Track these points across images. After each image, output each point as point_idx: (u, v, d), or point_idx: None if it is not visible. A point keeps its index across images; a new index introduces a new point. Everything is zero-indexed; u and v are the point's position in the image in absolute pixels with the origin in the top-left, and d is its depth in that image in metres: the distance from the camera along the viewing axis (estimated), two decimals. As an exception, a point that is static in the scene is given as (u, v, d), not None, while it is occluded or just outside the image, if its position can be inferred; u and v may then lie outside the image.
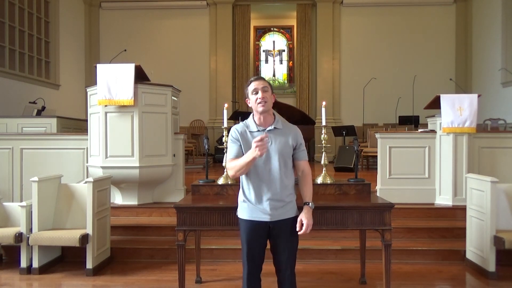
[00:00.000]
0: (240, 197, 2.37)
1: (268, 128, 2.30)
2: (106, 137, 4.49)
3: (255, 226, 2.28)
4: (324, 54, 10.32)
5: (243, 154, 2.26)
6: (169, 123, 4.74)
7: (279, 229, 2.29)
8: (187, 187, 4.97)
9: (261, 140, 2.08)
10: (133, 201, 4.77)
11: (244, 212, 2.32)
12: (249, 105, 2.36)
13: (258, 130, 2.30)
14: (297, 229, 2.27)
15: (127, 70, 4.38)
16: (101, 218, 3.85)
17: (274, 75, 11.04)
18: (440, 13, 10.18)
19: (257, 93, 2.28)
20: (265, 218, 2.26)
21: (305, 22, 10.41)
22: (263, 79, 2.37)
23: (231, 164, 2.28)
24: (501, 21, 8.60)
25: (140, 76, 4.59)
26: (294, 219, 2.32)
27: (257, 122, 2.33)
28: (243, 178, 2.33)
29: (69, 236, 3.61)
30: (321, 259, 3.97)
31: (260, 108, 2.27)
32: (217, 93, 10.37)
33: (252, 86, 2.31)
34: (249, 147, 2.21)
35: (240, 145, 2.31)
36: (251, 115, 2.38)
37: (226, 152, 3.48)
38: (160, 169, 4.68)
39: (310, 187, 2.38)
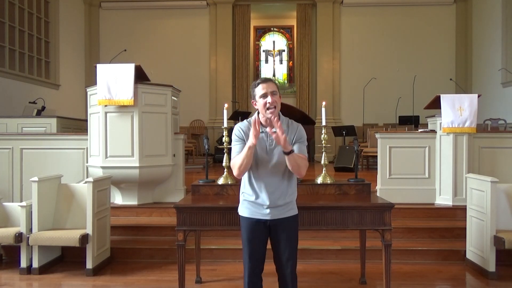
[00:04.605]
0: (241, 194, 2.37)
1: (273, 130, 2.22)
2: (106, 137, 4.48)
3: (255, 224, 2.29)
4: (324, 54, 10.32)
5: None
6: (169, 123, 4.74)
7: (279, 226, 2.30)
8: (187, 187, 4.96)
9: (255, 126, 2.08)
10: (133, 201, 4.77)
11: (244, 209, 2.33)
12: (256, 107, 2.30)
13: (262, 131, 2.26)
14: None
15: (127, 70, 4.38)
16: (101, 218, 3.85)
17: (274, 75, 11.04)
18: (440, 13, 10.17)
19: (265, 97, 2.21)
20: (266, 216, 2.27)
21: (305, 22, 10.41)
22: (271, 81, 2.27)
23: (234, 160, 2.24)
24: (501, 21, 8.60)
25: (140, 76, 4.59)
26: (294, 217, 2.34)
27: (263, 122, 2.28)
28: (244, 176, 2.32)
29: (69, 236, 3.60)
30: (321, 259, 3.97)
31: (269, 114, 2.21)
32: (217, 93, 10.36)
33: (260, 90, 2.23)
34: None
35: (243, 141, 2.27)
36: (256, 113, 2.32)
37: (226, 152, 3.50)
38: (160, 169, 4.67)
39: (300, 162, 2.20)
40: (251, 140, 2.11)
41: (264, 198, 2.26)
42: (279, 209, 2.28)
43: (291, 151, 2.14)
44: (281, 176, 2.28)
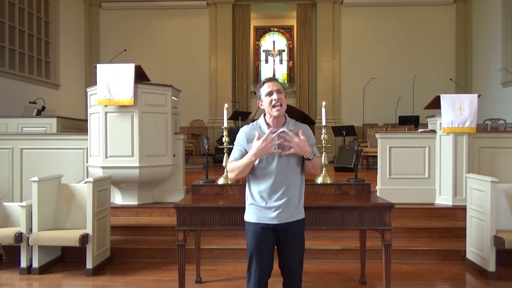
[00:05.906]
0: (248, 199, 2.31)
1: (280, 130, 2.23)
2: (106, 137, 4.49)
3: (263, 230, 2.23)
4: (324, 54, 10.32)
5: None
6: (169, 123, 4.74)
7: (286, 231, 2.25)
8: (187, 187, 4.96)
9: (266, 139, 2.10)
10: (133, 201, 4.77)
11: (251, 215, 2.27)
12: (261, 107, 2.28)
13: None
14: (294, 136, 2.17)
15: (127, 70, 4.38)
16: (101, 218, 3.85)
17: (274, 75, 11.03)
18: (440, 13, 10.18)
19: (271, 94, 2.21)
20: (273, 221, 2.22)
21: (305, 22, 10.41)
22: (276, 80, 2.29)
23: (230, 165, 2.27)
24: (501, 21, 8.60)
25: (140, 76, 4.59)
26: (301, 221, 2.31)
27: (269, 123, 2.27)
28: (251, 180, 2.28)
29: (69, 236, 3.60)
30: (321, 259, 3.97)
31: (275, 113, 2.21)
32: (217, 93, 10.36)
33: (265, 88, 2.23)
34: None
35: (244, 150, 2.25)
36: (262, 115, 2.31)
37: (226, 152, 3.50)
38: (160, 169, 4.67)
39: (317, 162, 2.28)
40: (252, 153, 2.14)
41: (272, 201, 2.21)
42: (287, 212, 2.23)
43: (310, 158, 2.19)
44: (291, 177, 2.24)
